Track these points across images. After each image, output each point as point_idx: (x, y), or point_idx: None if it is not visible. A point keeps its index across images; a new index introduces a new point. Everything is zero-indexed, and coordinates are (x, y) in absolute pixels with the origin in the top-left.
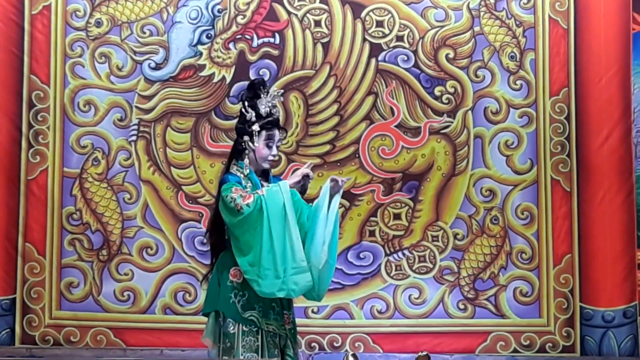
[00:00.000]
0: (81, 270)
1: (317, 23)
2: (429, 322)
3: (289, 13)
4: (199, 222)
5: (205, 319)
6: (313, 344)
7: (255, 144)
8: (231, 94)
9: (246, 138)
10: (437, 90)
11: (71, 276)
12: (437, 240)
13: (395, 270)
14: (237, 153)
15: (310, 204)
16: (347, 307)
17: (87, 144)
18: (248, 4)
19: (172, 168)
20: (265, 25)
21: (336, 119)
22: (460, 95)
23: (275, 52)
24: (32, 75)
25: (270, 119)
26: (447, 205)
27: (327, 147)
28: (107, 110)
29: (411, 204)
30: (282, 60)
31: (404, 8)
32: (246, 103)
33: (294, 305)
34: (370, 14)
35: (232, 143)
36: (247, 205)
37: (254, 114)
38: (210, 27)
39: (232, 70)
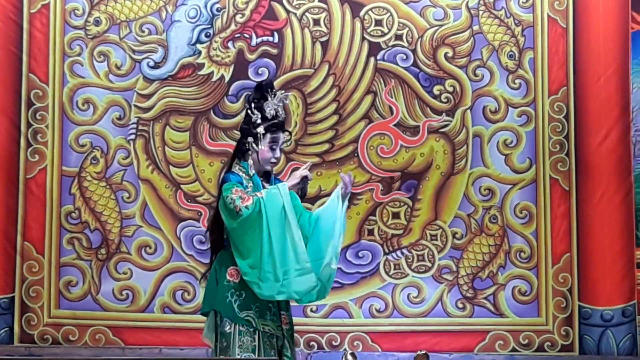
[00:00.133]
0: (80, 269)
1: (316, 22)
2: (428, 321)
3: (287, 12)
4: (198, 221)
5: (203, 318)
6: (312, 343)
7: (259, 146)
8: (230, 93)
9: (250, 139)
10: (436, 89)
11: (70, 275)
12: (436, 239)
13: (394, 269)
14: (240, 153)
15: (309, 210)
16: (345, 306)
17: (86, 143)
18: (247, 2)
19: (171, 167)
20: (264, 24)
21: (335, 118)
22: (459, 94)
23: (274, 51)
24: (31, 74)
25: (275, 121)
26: (446, 204)
27: (326, 146)
28: (106, 109)
29: (410, 203)
30: (281, 59)
31: (403, 7)
32: (252, 104)
33: (292, 304)
34: (369, 12)
35: (231, 142)
36: (246, 207)
37: (259, 116)
38: (209, 26)
39: (231, 69)
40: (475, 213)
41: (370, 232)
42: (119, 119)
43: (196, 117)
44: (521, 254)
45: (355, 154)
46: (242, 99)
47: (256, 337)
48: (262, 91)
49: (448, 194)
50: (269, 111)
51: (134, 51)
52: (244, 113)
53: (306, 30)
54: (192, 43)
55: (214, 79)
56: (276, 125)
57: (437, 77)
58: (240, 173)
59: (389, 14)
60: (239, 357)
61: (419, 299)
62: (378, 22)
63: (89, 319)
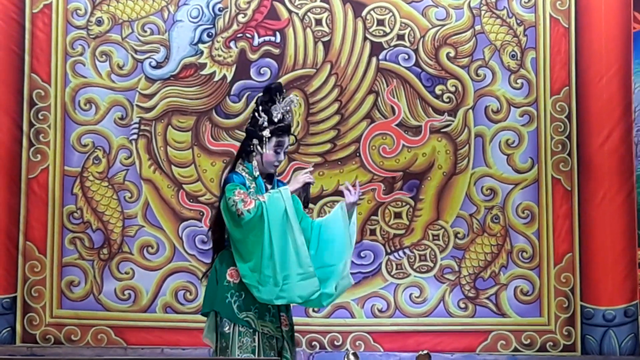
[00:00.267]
0: (82, 269)
1: (318, 22)
2: (430, 321)
3: (289, 12)
4: (200, 220)
5: (205, 318)
6: (314, 343)
7: (264, 149)
8: (232, 93)
9: (255, 142)
10: (438, 89)
11: (72, 275)
12: (438, 239)
13: (396, 269)
14: (244, 153)
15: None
16: (347, 306)
17: (88, 143)
18: (249, 2)
19: (173, 167)
20: (266, 24)
21: (337, 118)
22: (461, 94)
23: (276, 51)
24: (33, 73)
25: (281, 125)
26: (447, 204)
27: (328, 146)
28: (108, 108)
29: (412, 202)
30: (283, 59)
31: (405, 7)
32: (260, 107)
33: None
34: (371, 12)
35: (233, 142)
36: (248, 211)
37: (266, 119)
38: (211, 26)
39: (233, 69)
40: (477, 213)
41: (373, 232)
42: (121, 118)
43: (198, 117)
44: (523, 254)
45: (357, 154)
46: (244, 99)
47: (256, 337)
48: (271, 94)
49: (450, 194)
50: (276, 115)
51: (136, 51)
52: (247, 112)
53: (308, 30)
54: (194, 43)
55: (216, 78)
56: (282, 129)
57: (439, 77)
58: (244, 174)
59: (391, 13)
60: (239, 357)
61: (421, 299)
62: (380, 22)
63: (91, 318)
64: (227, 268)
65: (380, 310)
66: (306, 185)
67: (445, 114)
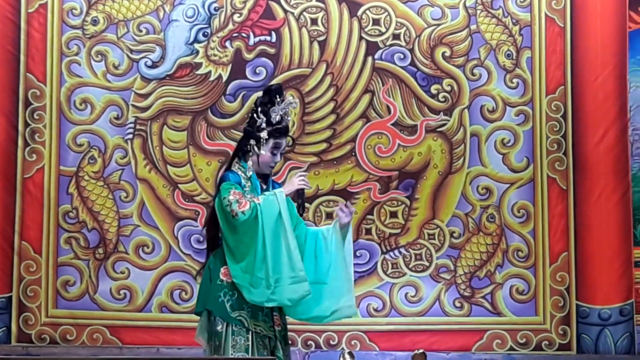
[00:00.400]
0: (77, 269)
1: (314, 21)
2: (425, 320)
3: (285, 11)
4: (196, 220)
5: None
6: (309, 342)
7: (261, 150)
8: (227, 92)
9: (252, 142)
10: (434, 89)
11: (67, 274)
12: (434, 239)
13: (392, 268)
14: (241, 153)
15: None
16: None
17: (84, 142)
18: (244, 2)
19: (168, 166)
20: (262, 23)
21: (332, 117)
22: (456, 93)
23: (272, 51)
24: (29, 73)
25: (279, 126)
26: (443, 204)
27: (324, 146)
28: (104, 108)
29: (407, 202)
30: (279, 58)
31: (401, 6)
32: (259, 108)
33: None
34: (367, 12)
35: (228, 141)
36: (243, 212)
37: (264, 120)
38: (207, 26)
39: (229, 68)
40: (473, 212)
41: (368, 232)
42: (117, 118)
43: (194, 116)
44: (519, 253)
45: (353, 153)
46: (240, 98)
47: (249, 336)
48: (271, 96)
49: (446, 193)
50: (275, 116)
51: (131, 51)
52: (242, 112)
53: (304, 29)
54: (190, 42)
55: (212, 78)
56: (280, 131)
57: (434, 76)
58: (240, 172)
59: (386, 13)
60: (232, 356)
61: (417, 298)
62: (375, 22)
63: (87, 318)
64: (221, 267)
65: (375, 310)
66: (301, 191)
67: (441, 113)
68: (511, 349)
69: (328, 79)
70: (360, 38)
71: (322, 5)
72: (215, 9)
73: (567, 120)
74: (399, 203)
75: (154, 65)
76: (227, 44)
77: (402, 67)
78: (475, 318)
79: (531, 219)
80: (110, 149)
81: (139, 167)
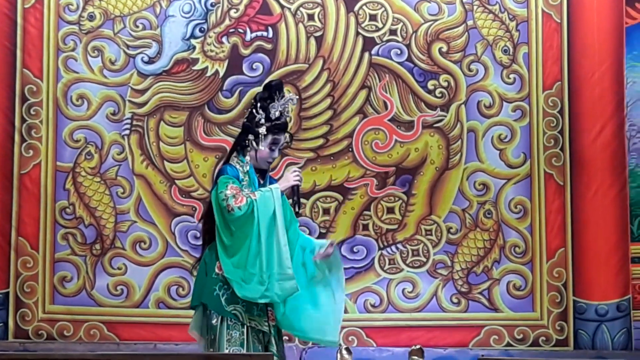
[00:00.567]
0: (74, 265)
1: (311, 17)
2: (423, 316)
3: (282, 7)
4: (192, 216)
5: None
6: None
7: (259, 145)
8: (224, 88)
9: (251, 137)
10: (431, 84)
11: (64, 270)
12: (431, 234)
13: (389, 264)
14: (239, 147)
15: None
16: None
17: (80, 138)
18: None
19: (165, 162)
20: (259, 19)
21: (329, 113)
22: (453, 89)
23: (269, 46)
24: (25, 69)
25: (278, 122)
26: (440, 199)
27: (321, 141)
28: (100, 104)
29: (405, 197)
30: (275, 54)
31: (397, 2)
32: (258, 104)
33: None
34: (364, 7)
35: (225, 137)
36: (239, 208)
37: (263, 116)
38: (204, 21)
39: (225, 64)
40: (470, 208)
41: (365, 227)
42: (113, 114)
43: (190, 112)
44: (516, 248)
45: (350, 149)
46: (236, 94)
47: (244, 331)
48: (271, 92)
49: (443, 189)
50: (274, 112)
51: (128, 46)
52: (239, 108)
53: (300, 25)
54: (187, 38)
55: (208, 74)
56: (279, 127)
57: (431, 72)
58: (238, 167)
59: (383, 8)
60: (227, 351)
61: (414, 294)
62: (372, 17)
63: (84, 314)
64: (216, 260)
65: (373, 305)
66: (296, 187)
67: (438, 109)
68: (508, 344)
69: (325, 74)
70: (357, 34)
71: (318, 0)
72: (211, 5)
73: (564, 115)
74: (396, 199)
75: (151, 61)
76: (224, 39)
77: (399, 63)
78: (473, 314)
79: (528, 214)
80: (107, 144)
81: (135, 163)
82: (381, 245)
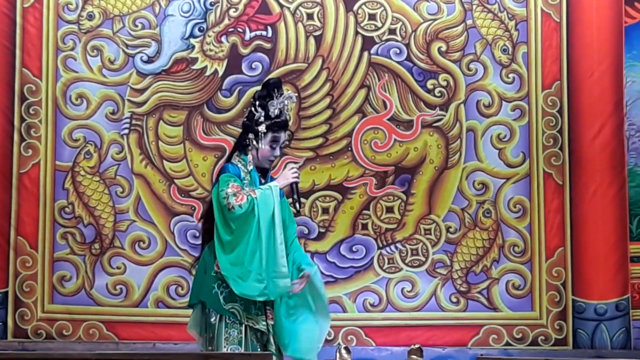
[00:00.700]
0: (73, 264)
1: (310, 16)
2: (422, 315)
3: (281, 6)
4: (192, 215)
5: None
6: None
7: (260, 144)
8: (223, 87)
9: (251, 136)
10: (430, 84)
11: (63, 270)
12: (430, 234)
13: (388, 263)
14: (241, 146)
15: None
16: (339, 300)
17: (79, 138)
18: None
19: (164, 161)
20: (258, 18)
21: (328, 112)
22: (452, 88)
23: (268, 45)
24: (24, 68)
25: (278, 120)
26: (439, 199)
27: (320, 141)
28: (99, 103)
29: (404, 197)
30: (275, 53)
31: (397, 1)
32: (257, 102)
33: None
34: (363, 7)
35: (224, 136)
36: (240, 206)
37: (263, 114)
38: (203, 20)
39: (225, 63)
40: (469, 207)
41: (364, 227)
42: (113, 113)
43: (190, 111)
44: (515, 248)
45: (349, 149)
46: (235, 93)
47: (242, 329)
48: (269, 90)
49: (442, 188)
50: (273, 110)
51: (127, 46)
52: (238, 107)
53: (300, 24)
54: (186, 37)
55: (208, 73)
56: (278, 125)
57: (430, 71)
58: (240, 165)
59: (382, 8)
60: (225, 349)
61: (413, 293)
62: (372, 17)
63: (83, 313)
64: (215, 258)
65: (372, 305)
66: (295, 185)
67: (437, 108)
68: (507, 344)
69: (324, 74)
70: (356, 33)
71: (318, 0)
72: (211, 4)
73: (563, 115)
74: (395, 198)
75: (150, 60)
76: (223, 38)
77: (398, 62)
78: (472, 313)
79: (527, 214)
80: (106, 144)
81: (134, 162)
82: (380, 245)
